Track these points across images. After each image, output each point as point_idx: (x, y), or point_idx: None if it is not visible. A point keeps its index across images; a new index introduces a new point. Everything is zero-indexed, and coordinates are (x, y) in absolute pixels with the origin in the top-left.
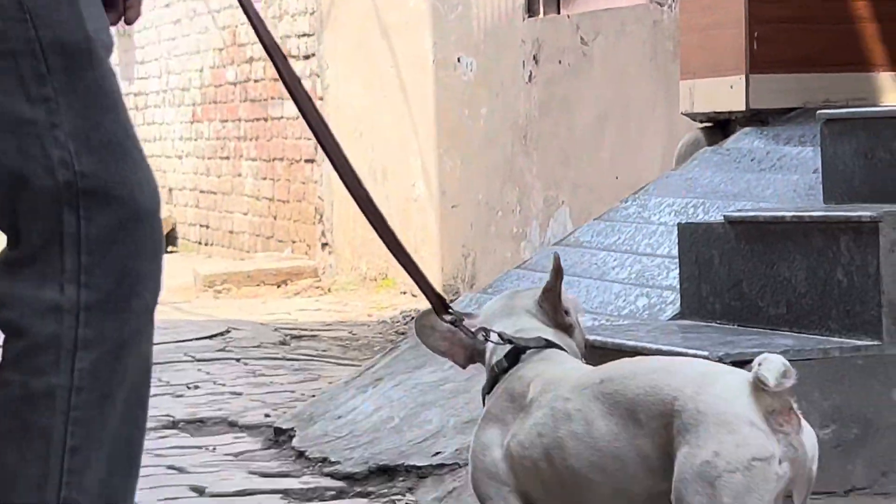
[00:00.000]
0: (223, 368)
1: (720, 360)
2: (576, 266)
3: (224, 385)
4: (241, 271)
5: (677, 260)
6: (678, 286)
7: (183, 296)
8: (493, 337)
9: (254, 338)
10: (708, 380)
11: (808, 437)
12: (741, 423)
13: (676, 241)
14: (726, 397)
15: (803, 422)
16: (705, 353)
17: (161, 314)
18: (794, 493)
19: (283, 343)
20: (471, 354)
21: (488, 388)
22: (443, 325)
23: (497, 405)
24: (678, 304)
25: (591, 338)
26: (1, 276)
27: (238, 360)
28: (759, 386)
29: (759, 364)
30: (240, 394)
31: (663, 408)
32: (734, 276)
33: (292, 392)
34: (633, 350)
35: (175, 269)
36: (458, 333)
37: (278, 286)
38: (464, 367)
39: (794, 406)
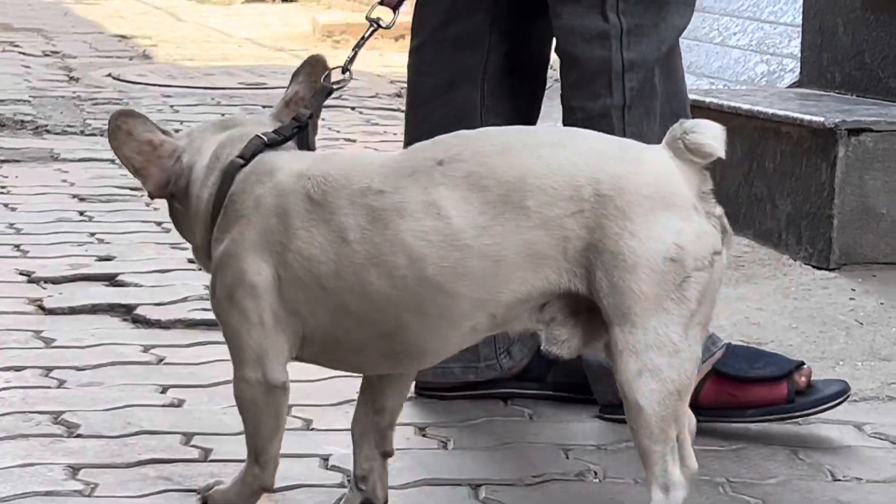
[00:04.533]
0: (338, 115)
1: (836, 126)
2: (696, 30)
3: (339, 132)
4: (360, 22)
5: (800, 28)
6: (798, 54)
7: (301, 43)
8: (203, 158)
9: (370, 88)
10: (632, 155)
11: None
12: (690, 208)
13: (801, 8)
14: (667, 177)
15: None
16: (821, 119)
17: (279, 60)
18: None
19: (398, 95)
20: (167, 180)
21: (211, 220)
22: (143, 134)
23: (250, 230)
24: (797, 72)
25: (708, 100)
26: (552, 13)
27: (353, 108)
28: (689, 158)
29: (693, 131)
30: (353, 140)
31: (573, 192)
32: (857, 45)
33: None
34: (748, 114)
35: (294, 18)
36: (159, 149)
37: (396, 40)
38: (153, 197)
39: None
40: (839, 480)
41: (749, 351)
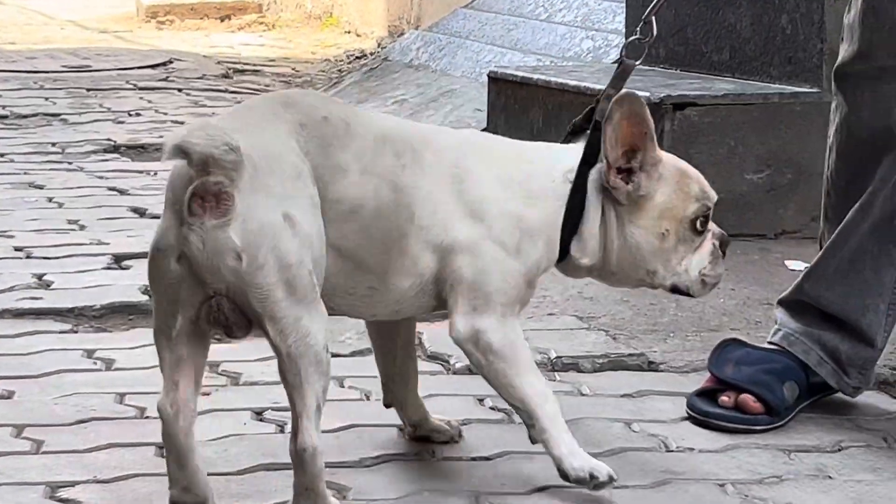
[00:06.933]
0: (165, 98)
1: (661, 101)
2: (522, 7)
3: (166, 114)
4: (185, 3)
5: (624, 4)
6: (623, 30)
7: (125, 25)
8: None
9: (196, 69)
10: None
11: (237, 230)
12: (167, 207)
13: None
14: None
15: (241, 209)
16: (647, 94)
17: (103, 42)
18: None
19: (225, 76)
20: None
21: None
22: None
23: None
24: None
25: (535, 77)
26: None
27: (180, 90)
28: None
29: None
30: (181, 122)
31: None
32: (680, 21)
33: None
34: (575, 90)
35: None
36: None
37: (222, 20)
38: None
39: (232, 188)
40: (672, 451)
41: (749, 352)
